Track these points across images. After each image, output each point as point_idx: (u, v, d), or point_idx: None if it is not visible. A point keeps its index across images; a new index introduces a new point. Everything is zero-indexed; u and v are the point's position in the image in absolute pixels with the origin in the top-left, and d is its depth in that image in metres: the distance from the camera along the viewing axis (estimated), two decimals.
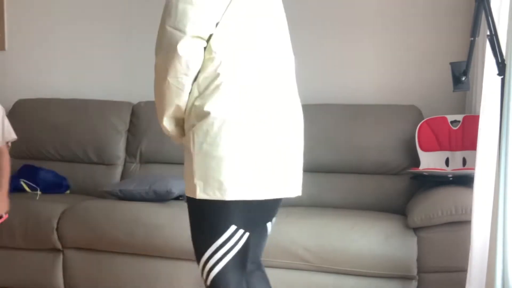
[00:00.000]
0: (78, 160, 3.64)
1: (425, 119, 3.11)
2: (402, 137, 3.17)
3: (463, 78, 2.24)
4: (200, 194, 1.65)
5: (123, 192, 3.09)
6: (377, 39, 3.48)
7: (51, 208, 3.02)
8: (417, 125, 3.10)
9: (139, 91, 3.83)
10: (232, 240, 1.70)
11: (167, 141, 3.52)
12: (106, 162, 3.61)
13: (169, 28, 1.64)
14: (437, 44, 3.38)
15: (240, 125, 1.63)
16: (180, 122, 1.77)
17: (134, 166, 3.58)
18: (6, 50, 4.09)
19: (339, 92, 3.48)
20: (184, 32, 1.62)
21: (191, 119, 1.68)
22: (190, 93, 1.69)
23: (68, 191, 3.53)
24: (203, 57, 1.66)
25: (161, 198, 3.03)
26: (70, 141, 3.63)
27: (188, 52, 1.63)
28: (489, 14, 2.02)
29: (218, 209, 1.68)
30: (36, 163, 3.61)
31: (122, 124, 3.62)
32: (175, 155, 3.48)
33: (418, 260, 2.55)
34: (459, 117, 3.06)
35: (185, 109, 1.71)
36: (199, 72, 1.67)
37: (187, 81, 1.67)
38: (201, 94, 1.66)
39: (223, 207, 1.67)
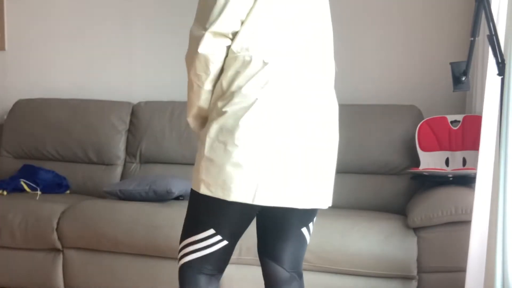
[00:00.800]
0: (78, 160, 3.64)
1: (425, 119, 3.11)
2: (402, 137, 3.17)
3: (463, 78, 2.24)
4: (203, 190, 1.66)
5: (123, 192, 3.09)
6: (377, 39, 3.48)
7: (51, 208, 3.02)
8: (417, 125, 3.09)
9: (139, 91, 3.83)
10: (205, 242, 1.73)
11: (167, 141, 3.54)
12: (106, 162, 3.61)
13: (195, 26, 1.67)
14: (437, 44, 3.38)
15: (254, 129, 1.62)
16: (205, 121, 1.77)
17: (134, 166, 3.58)
18: (6, 50, 4.09)
19: (339, 92, 3.45)
20: (204, 29, 1.63)
21: (212, 115, 1.70)
22: (214, 92, 1.70)
23: (68, 191, 3.53)
24: (224, 56, 1.66)
25: (161, 198, 3.03)
26: (70, 141, 3.63)
27: (207, 49, 1.63)
28: (489, 14, 2.02)
29: (209, 208, 1.70)
30: (36, 163, 3.61)
31: (122, 124, 3.62)
32: (175, 155, 3.49)
33: (418, 260, 2.55)
34: (459, 117, 3.05)
35: (209, 108, 1.73)
36: (223, 71, 1.68)
37: (206, 80, 1.68)
38: (224, 93, 1.67)
39: (214, 208, 1.68)
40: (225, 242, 1.74)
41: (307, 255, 2.60)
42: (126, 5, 3.86)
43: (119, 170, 3.60)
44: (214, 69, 1.67)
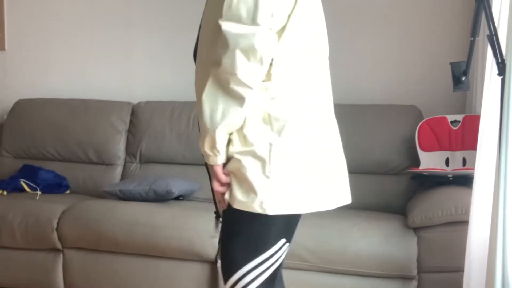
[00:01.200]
0: (78, 160, 3.64)
1: (425, 119, 3.11)
2: (402, 137, 3.17)
3: (463, 78, 2.24)
4: (277, 210, 1.55)
5: (123, 192, 3.09)
6: (377, 39, 3.48)
7: (51, 208, 3.02)
8: (417, 125, 3.10)
9: (139, 91, 3.83)
10: (278, 254, 1.65)
11: (167, 141, 3.54)
12: (106, 162, 3.61)
13: (234, 23, 1.51)
14: (437, 44, 3.38)
15: (321, 135, 1.63)
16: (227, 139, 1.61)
17: (134, 166, 3.58)
18: (6, 50, 4.09)
19: (339, 92, 3.45)
20: (256, 24, 1.50)
21: (260, 126, 1.58)
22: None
23: (68, 191, 3.53)
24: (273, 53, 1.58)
25: (161, 198, 3.03)
26: (70, 141, 3.63)
27: (264, 44, 1.51)
28: (489, 14, 2.02)
29: (273, 222, 1.61)
30: (36, 163, 3.61)
31: (122, 124, 3.62)
32: (175, 155, 3.49)
33: (418, 260, 2.55)
34: (459, 117, 3.05)
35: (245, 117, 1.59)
36: (272, 72, 1.59)
37: (259, 78, 1.55)
38: (275, 98, 1.58)
39: (279, 220, 1.61)
40: (289, 247, 1.70)
41: (307, 255, 2.61)
42: (126, 6, 3.86)
43: (119, 170, 3.60)
44: (267, 67, 1.55)
